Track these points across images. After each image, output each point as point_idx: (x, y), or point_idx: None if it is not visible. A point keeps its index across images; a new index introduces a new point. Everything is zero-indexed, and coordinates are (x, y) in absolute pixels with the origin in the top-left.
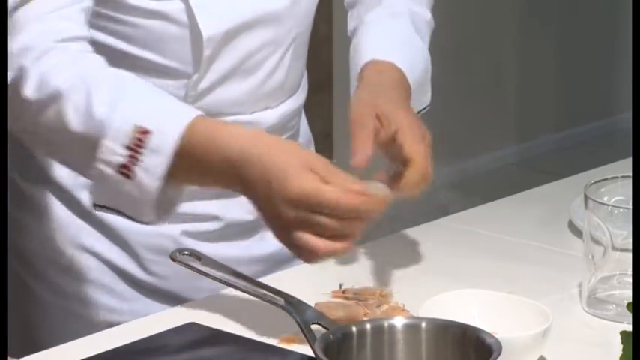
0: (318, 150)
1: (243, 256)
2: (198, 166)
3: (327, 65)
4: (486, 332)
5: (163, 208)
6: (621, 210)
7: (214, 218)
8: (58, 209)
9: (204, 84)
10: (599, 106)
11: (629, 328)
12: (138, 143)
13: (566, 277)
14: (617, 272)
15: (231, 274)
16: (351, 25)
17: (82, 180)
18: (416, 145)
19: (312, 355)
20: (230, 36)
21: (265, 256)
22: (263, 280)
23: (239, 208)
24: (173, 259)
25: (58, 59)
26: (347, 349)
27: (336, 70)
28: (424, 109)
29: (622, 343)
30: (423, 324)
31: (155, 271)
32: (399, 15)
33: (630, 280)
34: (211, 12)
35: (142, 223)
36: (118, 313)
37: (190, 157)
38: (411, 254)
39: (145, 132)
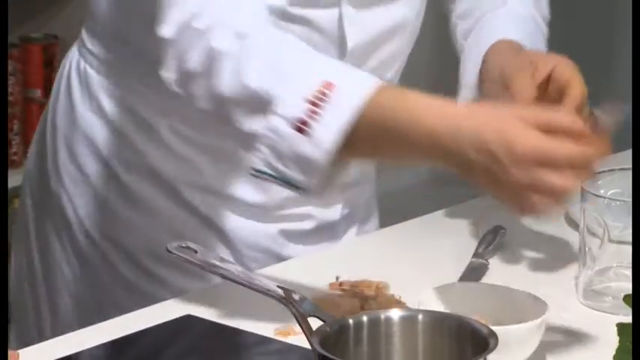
0: None
1: None
2: (385, 136)
3: None
4: (483, 324)
5: (328, 180)
6: (618, 202)
7: (308, 217)
8: (163, 203)
9: None
10: (598, 100)
11: (625, 320)
12: (321, 97)
13: (562, 269)
14: (614, 265)
15: (228, 266)
16: (460, 38)
17: (188, 177)
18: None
19: (309, 347)
20: (370, 47)
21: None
22: (260, 272)
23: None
24: (169, 252)
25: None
26: (344, 342)
27: None
28: None
29: (618, 335)
30: (420, 316)
31: (251, 267)
32: (521, 15)
33: (627, 272)
34: (358, 21)
35: (302, 192)
36: None
37: (375, 122)
38: (407, 246)
39: (331, 85)
